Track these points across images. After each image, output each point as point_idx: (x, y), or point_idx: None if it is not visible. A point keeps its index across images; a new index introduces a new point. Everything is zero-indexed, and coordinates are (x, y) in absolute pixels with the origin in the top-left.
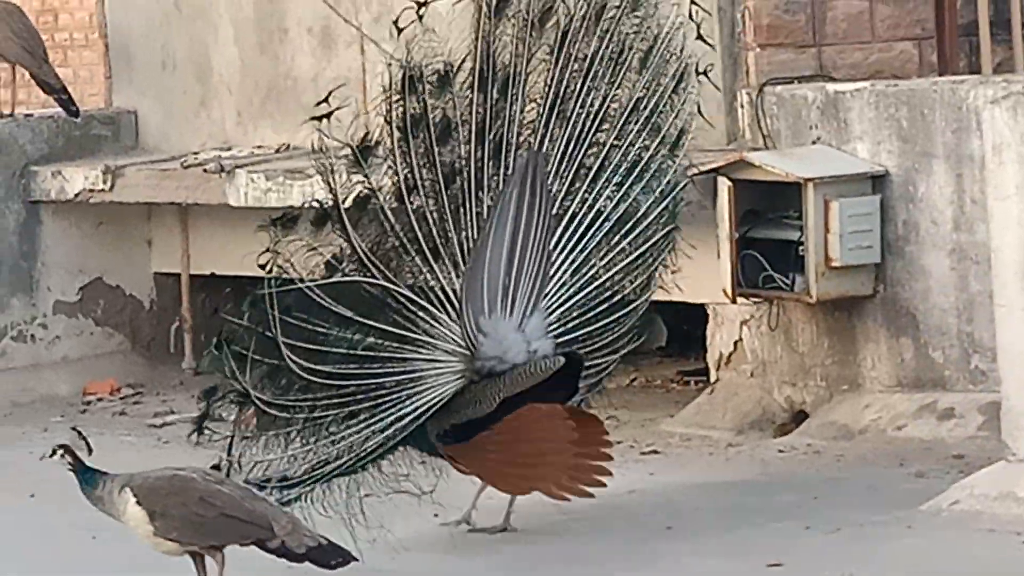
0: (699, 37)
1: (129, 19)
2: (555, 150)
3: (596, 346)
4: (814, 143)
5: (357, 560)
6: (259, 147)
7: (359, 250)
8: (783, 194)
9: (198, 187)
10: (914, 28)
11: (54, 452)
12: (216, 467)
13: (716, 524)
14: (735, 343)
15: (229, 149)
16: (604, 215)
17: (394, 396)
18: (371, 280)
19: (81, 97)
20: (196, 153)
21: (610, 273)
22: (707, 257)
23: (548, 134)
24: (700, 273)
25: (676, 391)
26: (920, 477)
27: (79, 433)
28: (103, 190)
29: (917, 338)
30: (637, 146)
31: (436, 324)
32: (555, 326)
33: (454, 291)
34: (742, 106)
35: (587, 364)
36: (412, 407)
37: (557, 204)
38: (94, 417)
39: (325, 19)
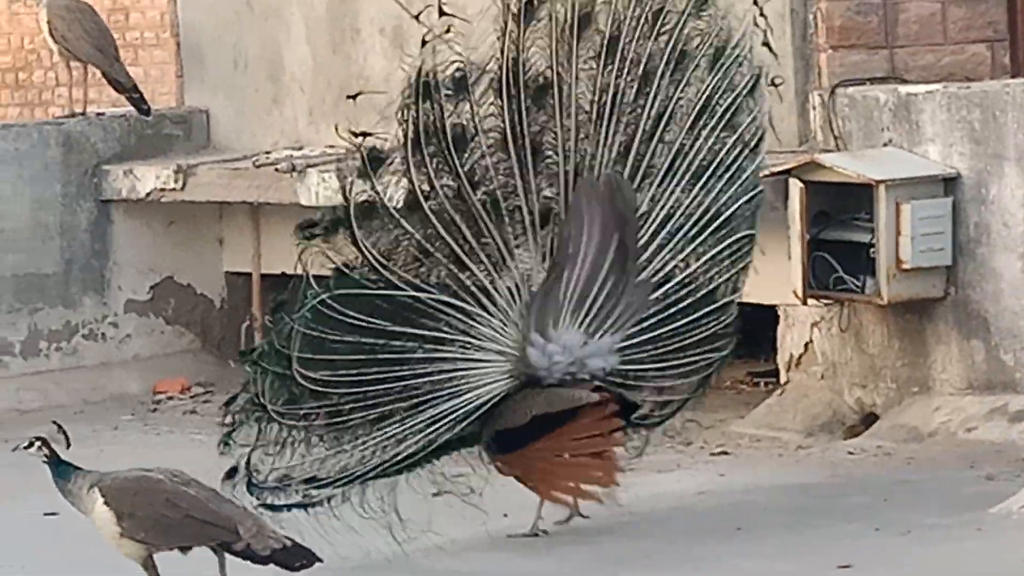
0: (765, 44)
1: (201, 18)
2: (611, 153)
3: (670, 363)
4: (886, 145)
5: (321, 562)
6: (331, 147)
7: (369, 256)
8: (854, 196)
9: (269, 186)
10: (986, 30)
11: (31, 444)
12: (233, 471)
13: (785, 525)
14: (806, 345)
15: (301, 148)
16: (680, 216)
17: (432, 397)
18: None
19: (152, 96)
20: (268, 152)
21: (684, 276)
22: (778, 258)
23: (602, 138)
24: (771, 274)
25: (746, 392)
26: (990, 480)
27: (59, 426)
28: (175, 189)
29: (988, 340)
30: (709, 148)
31: (478, 325)
32: (626, 344)
33: (498, 291)
34: (814, 108)
35: (664, 383)
36: (452, 407)
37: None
38: (164, 416)
39: (397, 19)
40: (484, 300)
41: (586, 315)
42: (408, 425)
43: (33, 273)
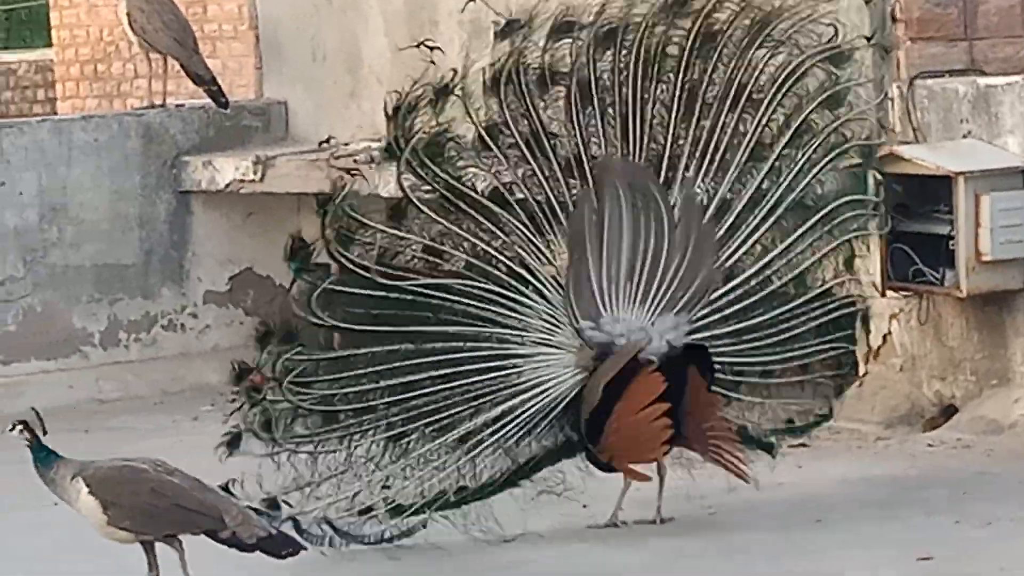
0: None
1: (280, 10)
2: (693, 140)
3: (771, 348)
4: (965, 137)
5: (306, 549)
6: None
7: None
8: (933, 188)
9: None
10: None
11: (13, 427)
12: (226, 487)
13: (865, 517)
14: (884, 337)
15: (379, 140)
16: (766, 201)
17: (504, 400)
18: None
19: (229, 88)
20: (346, 144)
21: (763, 263)
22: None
23: (688, 125)
24: None
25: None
26: None
27: (37, 413)
28: (253, 180)
29: None
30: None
31: (539, 318)
32: (699, 322)
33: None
34: (892, 100)
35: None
36: (526, 408)
37: (702, 199)
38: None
39: (475, 11)
40: (540, 292)
41: (642, 294)
42: (482, 437)
43: (113, 264)
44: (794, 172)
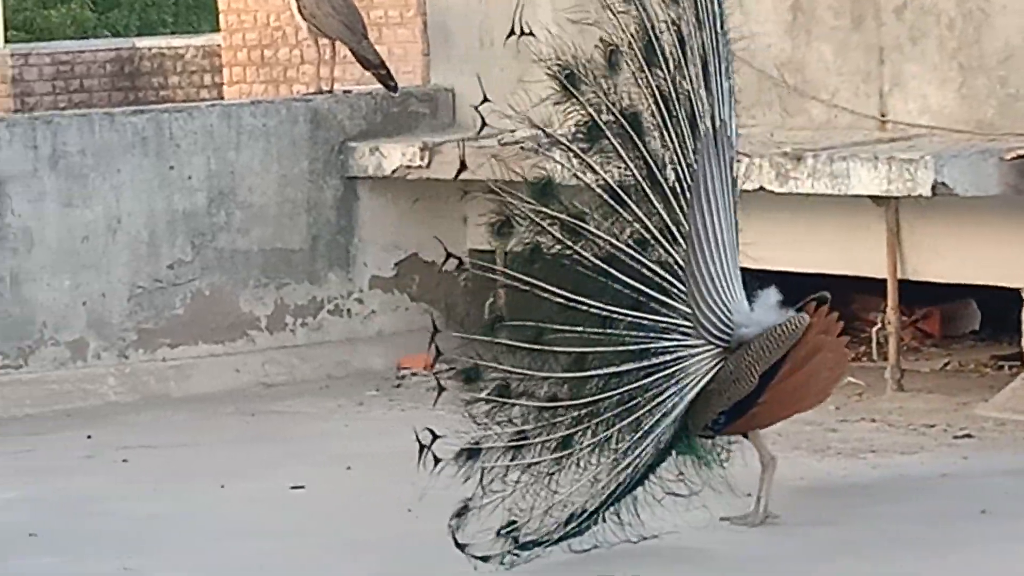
0: None
1: None
2: None
3: None
4: None
5: None
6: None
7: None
8: None
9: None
10: None
11: None
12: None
13: None
14: None
15: (546, 126)
16: None
17: (656, 392)
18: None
19: (395, 74)
20: (513, 131)
21: None
22: (1021, 241)
23: None
24: (1014, 257)
25: (990, 375)
26: None
27: None
28: (420, 167)
29: None
30: None
31: (686, 306)
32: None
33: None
34: None
35: None
36: (674, 401)
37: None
38: (408, 392)
39: None
40: (679, 280)
41: (736, 280)
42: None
43: (280, 248)
44: None
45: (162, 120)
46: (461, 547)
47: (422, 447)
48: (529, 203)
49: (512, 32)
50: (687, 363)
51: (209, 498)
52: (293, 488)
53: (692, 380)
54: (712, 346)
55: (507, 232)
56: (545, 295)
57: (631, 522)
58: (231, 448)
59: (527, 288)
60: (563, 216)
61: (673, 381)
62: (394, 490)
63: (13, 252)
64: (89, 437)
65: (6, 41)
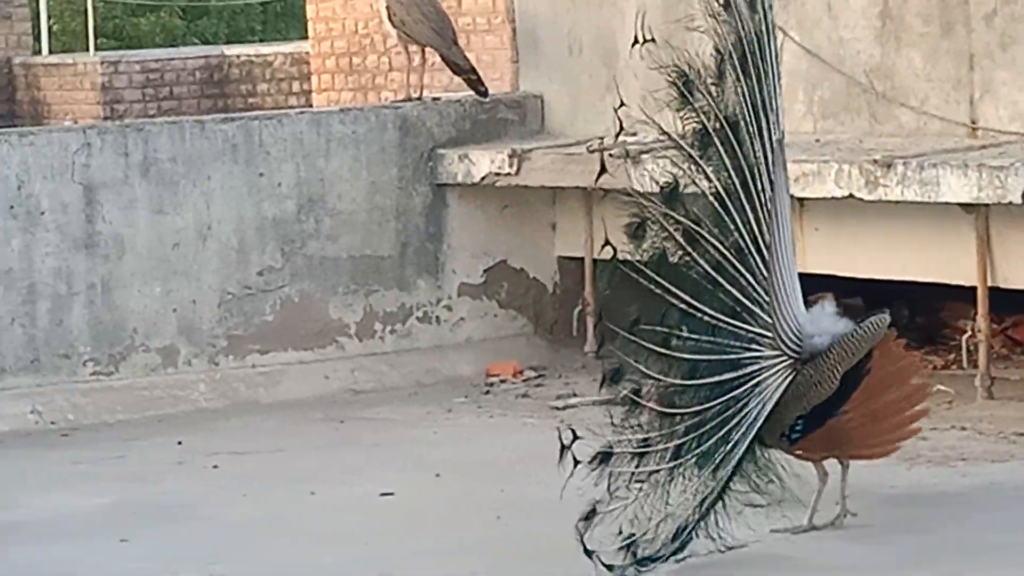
0: None
1: (536, 4)
2: None
3: None
4: None
5: None
6: (664, 133)
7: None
8: None
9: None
10: None
11: None
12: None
13: None
14: None
15: (635, 135)
16: None
17: (744, 403)
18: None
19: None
20: (601, 138)
21: None
22: None
23: None
24: None
25: None
26: None
27: None
28: (509, 174)
29: None
30: None
31: (764, 315)
32: None
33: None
34: None
35: None
36: (756, 412)
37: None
38: (496, 399)
39: None
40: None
41: (797, 290)
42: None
43: (369, 255)
44: None
45: (252, 127)
46: (589, 553)
47: (563, 447)
48: (659, 207)
49: (636, 40)
50: (766, 374)
51: (298, 504)
52: (382, 495)
53: (770, 392)
54: (787, 357)
55: (641, 235)
56: (672, 300)
57: (719, 533)
58: (320, 454)
59: (659, 292)
60: (685, 221)
61: (756, 392)
62: (483, 497)
63: (104, 259)
64: (179, 443)
65: (96, 49)
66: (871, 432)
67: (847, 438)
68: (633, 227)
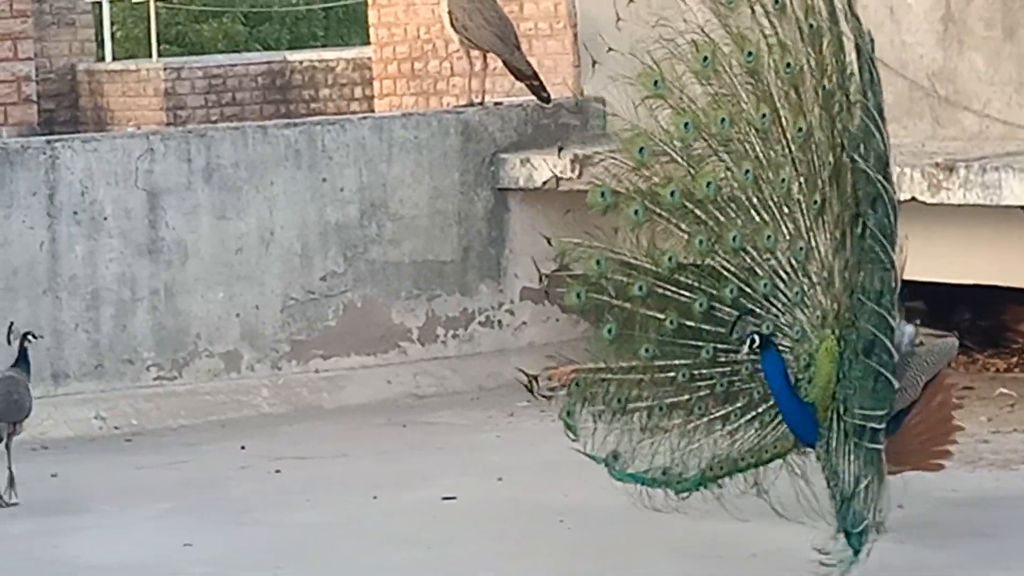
0: None
1: (598, 9)
2: None
3: None
4: None
5: None
6: None
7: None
8: None
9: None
10: None
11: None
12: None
13: None
14: None
15: None
16: None
17: None
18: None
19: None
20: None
21: None
22: None
23: None
24: None
25: None
26: None
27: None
28: (571, 178)
29: None
30: None
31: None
32: None
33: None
34: None
35: None
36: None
37: None
38: (559, 403)
39: None
40: None
41: None
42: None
43: (431, 260)
44: None
45: (314, 133)
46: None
47: (527, 386)
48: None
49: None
50: None
51: (361, 508)
52: (445, 499)
53: None
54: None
55: None
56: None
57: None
58: (383, 459)
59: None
60: None
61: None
62: (545, 500)
63: (168, 264)
64: (243, 448)
65: (159, 55)
66: (928, 444)
67: (911, 446)
68: None
